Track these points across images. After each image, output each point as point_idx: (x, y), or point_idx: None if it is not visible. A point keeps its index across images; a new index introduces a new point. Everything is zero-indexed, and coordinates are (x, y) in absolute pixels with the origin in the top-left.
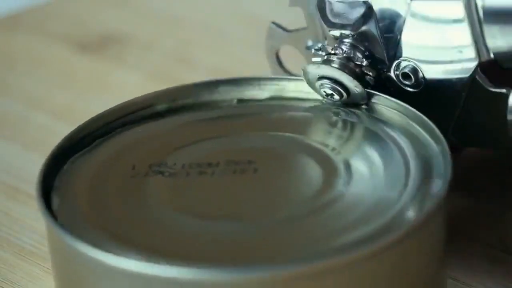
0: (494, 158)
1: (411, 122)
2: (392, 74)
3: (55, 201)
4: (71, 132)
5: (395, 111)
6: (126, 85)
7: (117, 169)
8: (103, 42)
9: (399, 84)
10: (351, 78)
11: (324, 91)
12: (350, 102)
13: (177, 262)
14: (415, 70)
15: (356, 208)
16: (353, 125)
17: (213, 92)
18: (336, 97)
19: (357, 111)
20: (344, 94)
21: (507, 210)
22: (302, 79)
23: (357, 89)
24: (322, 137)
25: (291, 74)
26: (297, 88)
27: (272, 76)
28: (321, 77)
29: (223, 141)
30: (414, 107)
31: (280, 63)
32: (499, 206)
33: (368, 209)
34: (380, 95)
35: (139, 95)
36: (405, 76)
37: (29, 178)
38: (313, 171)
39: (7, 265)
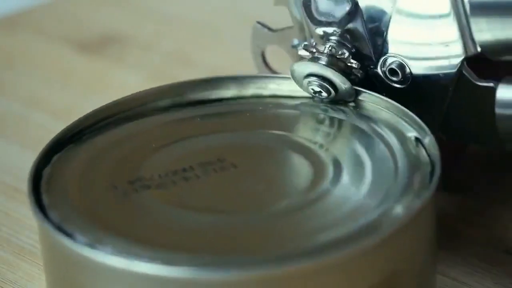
0: (494, 159)
1: (398, 119)
2: (379, 70)
3: (45, 199)
4: (58, 133)
5: (382, 108)
6: (126, 85)
7: (97, 184)
8: (103, 42)
9: (386, 80)
10: (338, 75)
11: (312, 89)
12: (338, 99)
13: (174, 258)
14: (402, 66)
15: (342, 206)
16: (340, 122)
17: (193, 91)
18: (324, 94)
19: (344, 108)
20: (332, 91)
21: (507, 210)
22: (289, 77)
23: (345, 86)
24: (309, 134)
25: (277, 74)
26: (283, 87)
27: (257, 75)
28: (309, 75)
29: (192, 142)
30: (402, 104)
31: (266, 62)
32: (499, 207)
33: (355, 207)
34: (368, 92)
35: None
36: (392, 72)
37: None
38: (301, 167)
39: (7, 265)
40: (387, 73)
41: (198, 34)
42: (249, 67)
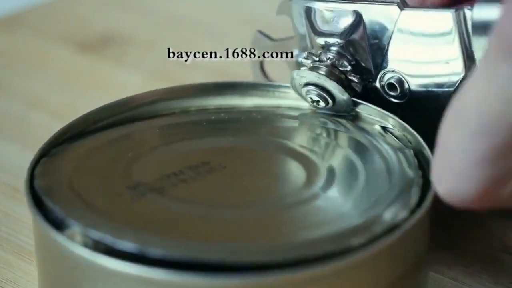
0: None
1: (396, 132)
2: (377, 84)
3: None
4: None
5: (380, 120)
6: (126, 85)
7: (91, 191)
8: (104, 42)
9: (384, 95)
10: (336, 85)
11: (310, 98)
12: (335, 110)
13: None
14: (400, 81)
15: (330, 209)
16: (337, 133)
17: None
18: (322, 104)
19: (342, 120)
20: (330, 101)
21: (507, 210)
22: (288, 86)
23: (343, 97)
24: (306, 143)
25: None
26: (282, 96)
27: (258, 83)
28: (308, 84)
29: (175, 148)
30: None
31: (263, 71)
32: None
33: (342, 211)
34: (366, 104)
35: None
36: (391, 86)
37: None
38: (293, 169)
39: (7, 265)
40: (385, 87)
41: (198, 34)
42: (248, 67)
